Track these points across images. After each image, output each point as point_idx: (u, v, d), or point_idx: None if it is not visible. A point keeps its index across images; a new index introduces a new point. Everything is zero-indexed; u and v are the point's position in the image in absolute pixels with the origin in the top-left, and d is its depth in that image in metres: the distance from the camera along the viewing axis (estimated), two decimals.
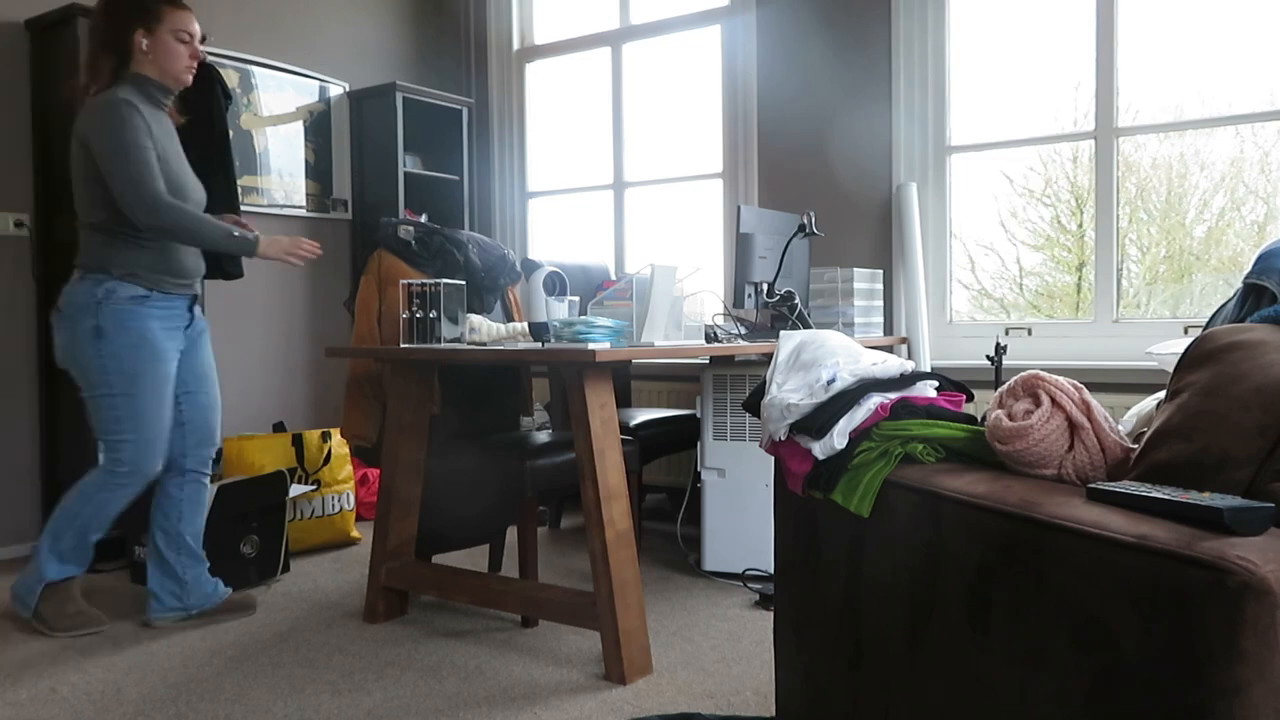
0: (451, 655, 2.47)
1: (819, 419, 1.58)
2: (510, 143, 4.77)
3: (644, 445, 3.29)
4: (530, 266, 2.96)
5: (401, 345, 2.59)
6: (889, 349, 3.55)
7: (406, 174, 4.39)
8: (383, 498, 2.75)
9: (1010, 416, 1.45)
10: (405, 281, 2.59)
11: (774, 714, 2.04)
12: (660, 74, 4.45)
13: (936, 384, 1.69)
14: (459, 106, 4.62)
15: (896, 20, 3.66)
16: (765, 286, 3.08)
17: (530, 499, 2.72)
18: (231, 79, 3.93)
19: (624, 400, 3.93)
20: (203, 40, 2.66)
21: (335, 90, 4.44)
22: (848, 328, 3.29)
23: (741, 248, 3.04)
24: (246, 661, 2.43)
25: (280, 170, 4.21)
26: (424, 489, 2.85)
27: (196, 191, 2.66)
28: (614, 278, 3.97)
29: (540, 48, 4.75)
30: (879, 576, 1.49)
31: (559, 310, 2.88)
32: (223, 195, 3.30)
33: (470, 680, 2.30)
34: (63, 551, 2.62)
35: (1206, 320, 1.89)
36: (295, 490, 3.36)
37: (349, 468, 3.67)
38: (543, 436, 2.88)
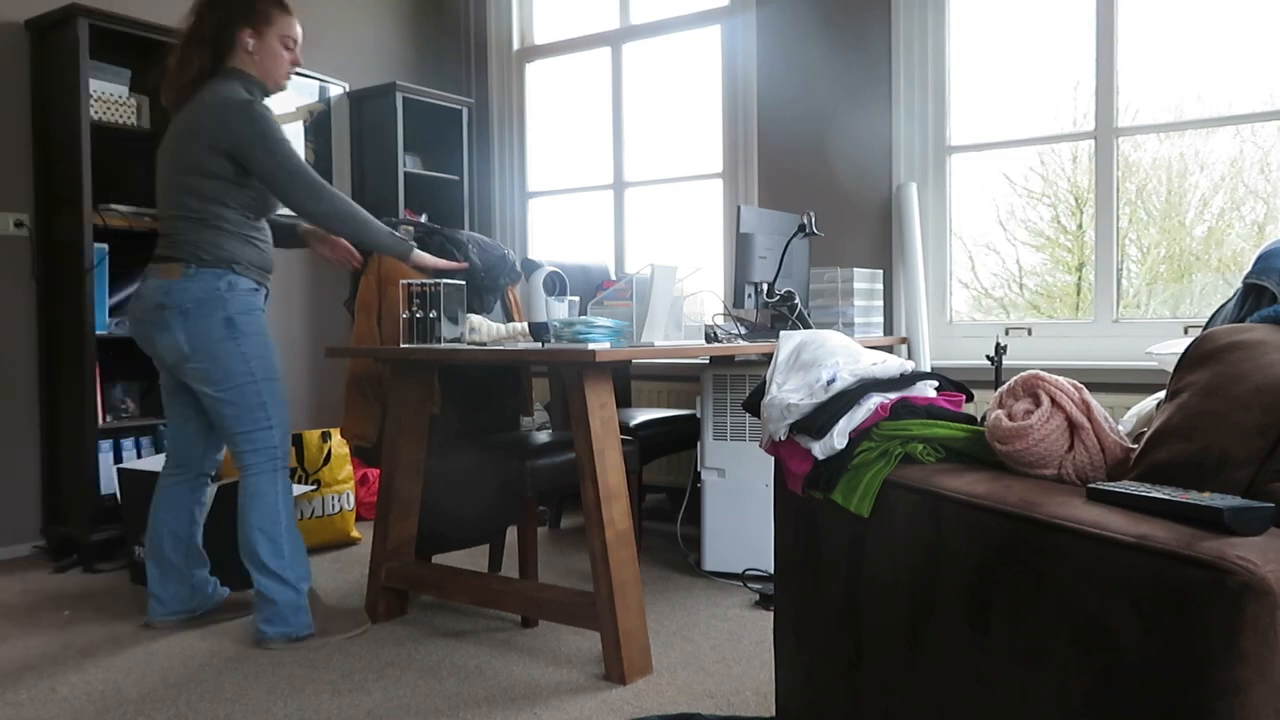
0: (451, 655, 2.47)
1: (819, 419, 1.58)
2: (510, 143, 4.77)
3: (644, 445, 3.28)
4: (530, 266, 2.96)
5: (401, 345, 2.59)
6: (889, 349, 3.55)
7: (406, 174, 4.39)
8: (383, 498, 2.75)
9: (1010, 416, 1.45)
10: (405, 281, 2.59)
11: (774, 714, 2.04)
12: (660, 74, 4.45)
13: (936, 384, 1.69)
14: (459, 106, 4.62)
15: (896, 20, 3.66)
16: (765, 286, 3.08)
17: (530, 499, 2.72)
18: None
19: (624, 400, 3.93)
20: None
21: (335, 90, 4.44)
22: (848, 328, 3.29)
23: (741, 248, 3.04)
24: (246, 661, 2.43)
25: None
26: (424, 489, 2.85)
27: None
28: (614, 278, 3.97)
29: (540, 48, 4.75)
30: (879, 576, 1.49)
31: (559, 310, 2.88)
32: None
33: (470, 680, 2.30)
34: (293, 563, 2.56)
35: (1206, 320, 1.89)
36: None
37: (349, 468, 3.67)
38: (543, 436, 2.88)
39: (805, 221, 3.09)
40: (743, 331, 2.99)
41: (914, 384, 1.65)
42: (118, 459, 3.51)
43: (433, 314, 2.59)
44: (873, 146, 3.75)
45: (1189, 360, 1.35)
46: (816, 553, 1.65)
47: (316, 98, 4.37)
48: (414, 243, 2.66)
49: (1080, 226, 3.63)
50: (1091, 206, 3.44)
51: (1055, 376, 1.45)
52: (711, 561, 3.16)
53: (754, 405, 1.76)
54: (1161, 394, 1.51)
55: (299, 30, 2.64)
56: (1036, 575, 1.19)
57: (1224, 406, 1.23)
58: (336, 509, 3.59)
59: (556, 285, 2.94)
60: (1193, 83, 3.29)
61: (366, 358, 2.83)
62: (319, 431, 3.63)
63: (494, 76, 4.78)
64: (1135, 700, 1.07)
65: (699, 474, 3.18)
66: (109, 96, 3.53)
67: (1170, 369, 1.41)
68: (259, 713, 2.12)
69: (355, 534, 3.69)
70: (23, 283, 3.52)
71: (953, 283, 3.72)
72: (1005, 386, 1.52)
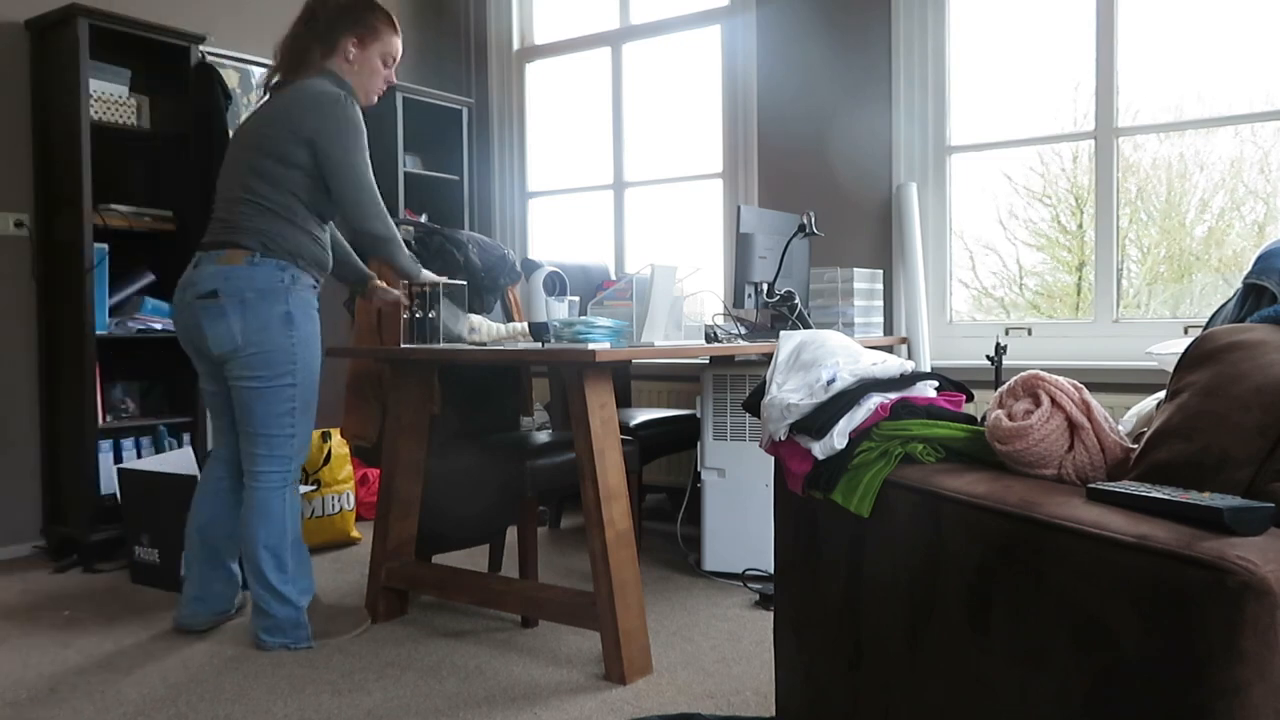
0: (451, 655, 2.47)
1: (819, 419, 1.58)
2: (510, 143, 4.77)
3: (644, 445, 3.28)
4: (530, 266, 2.96)
5: (401, 345, 2.59)
6: (889, 349, 3.55)
7: (406, 174, 4.39)
8: (383, 498, 2.75)
9: (1010, 416, 1.45)
10: (406, 281, 2.60)
11: (774, 714, 2.04)
12: (660, 74, 4.45)
13: (936, 384, 1.69)
14: (459, 106, 4.62)
15: (896, 20, 3.66)
16: (765, 286, 3.08)
17: (530, 499, 2.72)
18: (231, 79, 3.93)
19: (624, 400, 3.93)
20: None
21: None
22: (848, 328, 3.29)
23: (741, 248, 3.04)
24: (246, 661, 2.43)
25: None
26: (424, 489, 2.85)
27: None
28: (614, 278, 3.97)
29: (540, 48, 4.75)
30: (879, 576, 1.49)
31: (559, 310, 2.88)
32: None
33: (470, 680, 2.30)
34: (296, 578, 2.53)
35: (1206, 320, 1.89)
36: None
37: (349, 468, 3.67)
38: (543, 436, 2.88)
39: (805, 221, 3.09)
40: (743, 331, 2.99)
41: (914, 384, 1.65)
42: (118, 459, 3.51)
43: (432, 314, 2.59)
44: (873, 146, 3.75)
45: (1189, 360, 1.35)
46: (816, 553, 1.65)
47: None
48: (421, 269, 2.64)
49: (1080, 226, 3.63)
50: (1091, 206, 3.44)
51: (1055, 376, 1.45)
52: (711, 561, 3.16)
53: (754, 405, 1.75)
54: (1161, 394, 1.51)
55: (400, 49, 2.65)
56: (1036, 575, 1.19)
57: (1224, 406, 1.23)
58: (336, 509, 3.59)
59: (556, 285, 2.94)
60: (1193, 83, 3.29)
61: (366, 358, 2.83)
62: (319, 431, 3.63)
63: (494, 76, 4.78)
64: (1135, 700, 1.07)
65: (699, 474, 3.18)
66: (109, 96, 3.53)
67: (1170, 369, 1.41)
68: (259, 713, 2.12)
69: (355, 534, 3.69)
70: (23, 283, 3.52)
71: (953, 283, 3.72)
72: (1005, 386, 1.52)
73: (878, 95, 3.73)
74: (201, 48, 3.73)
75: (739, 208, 3.09)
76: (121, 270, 3.60)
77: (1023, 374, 1.50)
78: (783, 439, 1.65)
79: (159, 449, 3.53)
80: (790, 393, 1.65)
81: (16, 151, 3.51)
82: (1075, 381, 1.45)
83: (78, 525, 3.40)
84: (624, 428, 3.27)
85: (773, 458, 1.75)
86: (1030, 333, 3.51)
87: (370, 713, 2.12)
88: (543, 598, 2.45)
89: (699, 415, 3.18)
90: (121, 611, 2.85)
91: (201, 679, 2.32)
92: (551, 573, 3.25)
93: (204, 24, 3.90)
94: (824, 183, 3.86)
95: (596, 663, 2.40)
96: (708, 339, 2.79)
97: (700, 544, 3.19)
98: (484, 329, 2.71)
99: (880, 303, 3.52)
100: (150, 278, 3.69)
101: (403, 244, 2.56)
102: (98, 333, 3.38)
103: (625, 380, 3.97)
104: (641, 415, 3.52)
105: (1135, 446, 1.40)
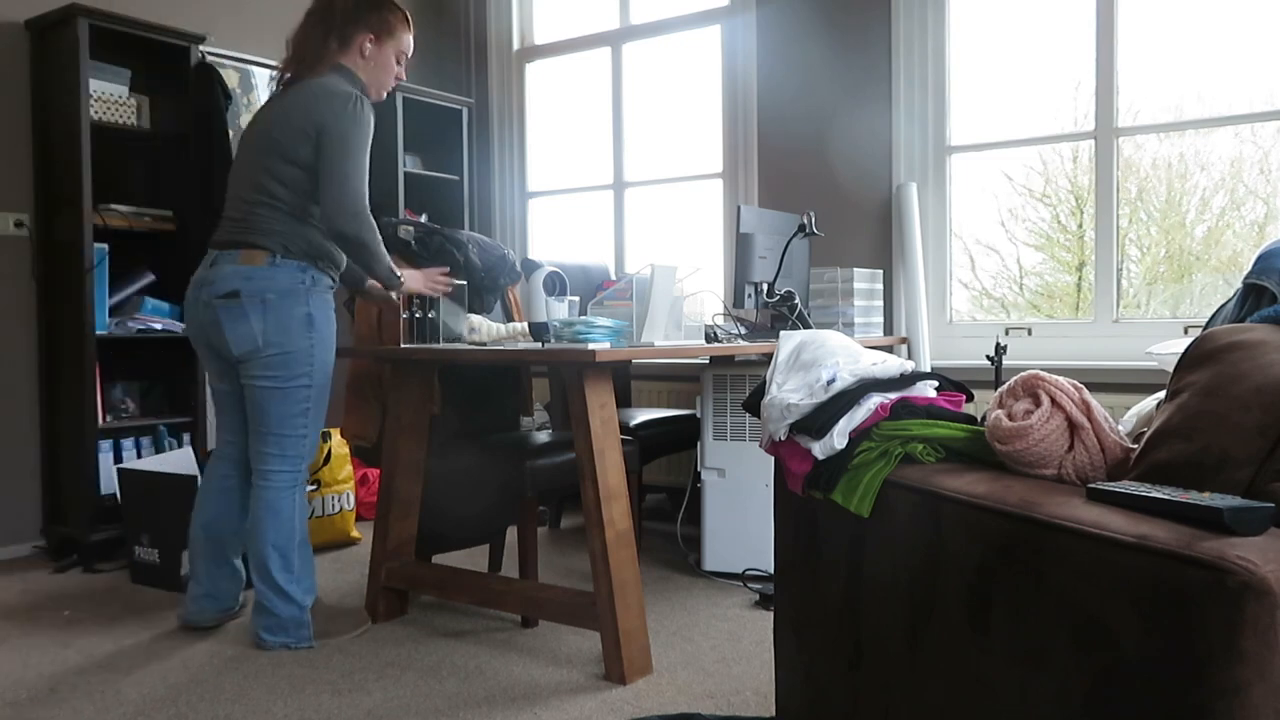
0: (451, 655, 2.47)
1: (819, 419, 1.58)
2: (510, 143, 4.77)
3: (644, 445, 3.28)
4: (530, 266, 2.96)
5: (401, 345, 2.58)
6: (889, 349, 3.55)
7: (406, 174, 4.39)
8: (383, 498, 2.75)
9: (1010, 416, 1.45)
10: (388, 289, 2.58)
11: (774, 714, 2.04)
12: (660, 74, 4.45)
13: (936, 384, 1.69)
14: (459, 106, 4.62)
15: (896, 20, 3.66)
16: (765, 286, 3.08)
17: (530, 499, 2.72)
18: (231, 79, 3.93)
19: (624, 400, 3.93)
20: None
21: None
22: (848, 328, 3.29)
23: (741, 248, 3.04)
24: (246, 661, 2.43)
25: None
26: (424, 489, 2.85)
27: None
28: (614, 278, 3.97)
29: (540, 48, 4.75)
30: (879, 576, 1.49)
31: (559, 310, 2.88)
32: (222, 195, 3.30)
33: (470, 680, 2.30)
34: (301, 578, 2.53)
35: (1206, 320, 1.89)
36: None
37: (349, 468, 3.67)
38: (543, 436, 2.88)
39: (805, 221, 3.09)
40: (743, 331, 2.99)
41: (914, 384, 1.65)
42: (118, 459, 3.51)
43: (432, 314, 2.59)
44: (873, 146, 3.75)
45: (1189, 360, 1.35)
46: (816, 553, 1.65)
47: None
48: (400, 280, 2.55)
49: (1080, 226, 3.63)
50: (1091, 206, 3.44)
51: (1055, 376, 1.45)
52: (711, 561, 3.16)
53: (754, 405, 1.75)
54: (1161, 394, 1.51)
55: (412, 46, 2.66)
56: (1036, 575, 1.19)
57: (1224, 406, 1.23)
58: (336, 509, 3.59)
59: (556, 285, 2.94)
60: (1193, 83, 3.29)
61: (366, 358, 2.83)
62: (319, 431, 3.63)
63: (494, 76, 4.78)
64: (1135, 700, 1.07)
65: (699, 474, 3.18)
66: (109, 96, 3.53)
67: (1170, 369, 1.41)
68: (259, 713, 2.12)
69: (355, 534, 3.69)
70: (23, 283, 3.52)
71: (953, 283, 3.72)
72: (1005, 386, 1.52)
73: (878, 95, 3.73)
74: (201, 48, 3.73)
75: (739, 208, 3.09)
76: (121, 270, 3.60)
77: (1023, 374, 1.50)
78: (783, 439, 1.65)
79: (159, 449, 3.53)
80: (790, 393, 1.65)
81: (16, 151, 3.51)
82: (1075, 381, 1.45)
83: (78, 525, 3.40)
84: (624, 428, 3.27)
85: (773, 458, 1.75)
86: (1030, 333, 3.51)
87: (370, 713, 2.12)
88: (543, 598, 2.45)
89: (699, 415, 3.18)
90: (121, 611, 2.85)
91: (201, 679, 2.32)
92: (551, 573, 3.25)
93: (204, 24, 3.90)
94: (824, 183, 3.86)
95: (596, 663, 2.40)
96: (708, 339, 2.79)
97: (700, 544, 3.19)
98: (484, 329, 2.71)
99: (880, 303, 3.52)
100: (150, 278, 3.69)
101: (382, 253, 2.47)
102: (98, 333, 3.38)
103: (625, 380, 3.97)
104: (641, 415, 3.52)
105: (1135, 446, 1.40)
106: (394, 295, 2.65)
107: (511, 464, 2.67)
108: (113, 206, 3.52)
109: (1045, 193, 3.69)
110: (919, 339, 3.57)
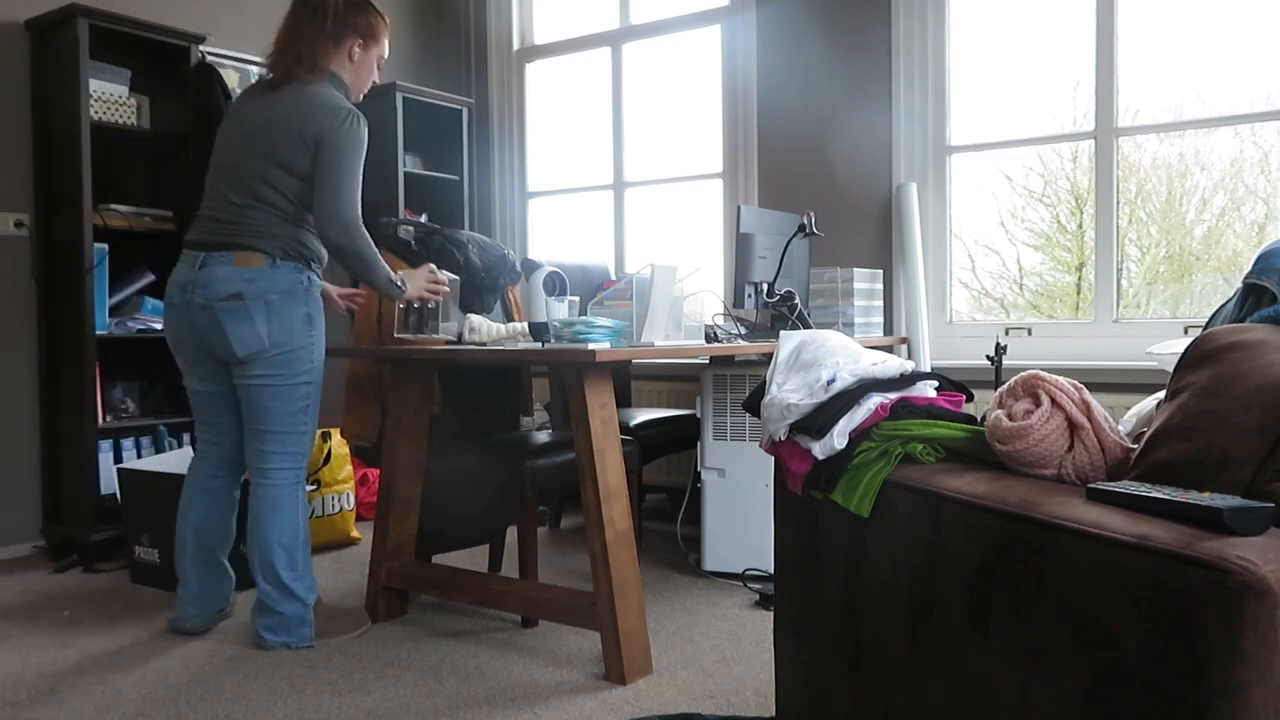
0: (451, 655, 2.47)
1: (819, 419, 1.58)
2: (510, 143, 4.77)
3: (644, 445, 3.28)
4: (530, 266, 2.96)
5: (395, 335, 2.60)
6: (889, 349, 3.55)
7: (406, 174, 4.39)
8: (383, 498, 2.75)
9: (1010, 416, 1.45)
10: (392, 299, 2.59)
11: (774, 714, 2.04)
12: (660, 74, 4.45)
13: (936, 384, 1.69)
14: (459, 106, 4.62)
15: (896, 20, 3.66)
16: (765, 286, 3.08)
17: (530, 499, 2.72)
18: (231, 79, 3.93)
19: (624, 400, 3.93)
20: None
21: None
22: (848, 328, 3.29)
23: (741, 248, 3.04)
24: (246, 661, 2.43)
25: None
26: (424, 489, 2.85)
27: None
28: (614, 278, 3.97)
29: (540, 48, 4.75)
30: (879, 576, 1.49)
31: (559, 310, 2.88)
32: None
33: (470, 680, 2.30)
34: (304, 575, 2.55)
35: (1206, 320, 1.89)
36: None
37: (349, 468, 3.67)
38: (543, 436, 2.88)
39: (805, 221, 3.09)
40: (743, 331, 2.99)
41: (914, 384, 1.65)
42: (118, 459, 3.51)
43: (431, 305, 2.60)
44: (873, 146, 3.75)
45: (1189, 360, 1.35)
46: (816, 553, 1.65)
47: None
48: (401, 288, 2.56)
49: (1080, 226, 3.63)
50: (1091, 206, 3.44)
51: (1055, 376, 1.45)
52: (711, 561, 3.16)
53: (754, 405, 1.76)
54: (1161, 394, 1.51)
55: (389, 49, 2.70)
56: (1036, 575, 1.19)
57: (1224, 406, 1.23)
58: (336, 509, 3.59)
59: (556, 285, 2.94)
60: (1193, 83, 3.29)
61: (366, 358, 2.83)
62: (319, 431, 3.63)
63: (494, 76, 4.78)
64: (1135, 700, 1.07)
65: (699, 474, 3.18)
66: (109, 96, 3.53)
67: (1170, 369, 1.41)
68: (259, 713, 2.12)
69: (355, 534, 3.69)
70: (23, 283, 3.52)
71: (953, 283, 3.72)
72: (1005, 386, 1.52)
73: (878, 95, 3.73)
74: (201, 48, 3.74)
75: (739, 208, 3.09)
76: (121, 270, 3.60)
77: (1023, 374, 1.50)
78: (783, 439, 1.65)
79: (159, 449, 3.53)
80: (790, 393, 1.65)
81: (16, 151, 3.51)
82: (1075, 381, 1.45)
83: (78, 525, 3.40)
84: (624, 428, 3.27)
85: (773, 458, 1.75)
86: (1030, 333, 3.51)
87: (370, 713, 2.12)
88: (543, 598, 2.45)
89: (699, 415, 3.18)
90: (121, 611, 2.85)
91: (201, 679, 2.32)
92: (551, 573, 3.25)
93: (204, 24, 3.90)
94: (824, 183, 3.86)
95: (596, 663, 2.40)
96: (708, 339, 2.79)
97: (700, 544, 3.19)
98: (484, 329, 2.71)
99: (880, 303, 3.52)
100: (150, 278, 3.70)
101: (379, 263, 2.49)
102: (98, 333, 3.38)
103: (625, 380, 3.97)
104: (641, 415, 3.52)
105: (1135, 446, 1.40)
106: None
107: (511, 464, 2.67)
108: (113, 206, 3.52)
109: (1045, 193, 3.69)
110: (919, 339, 3.57)
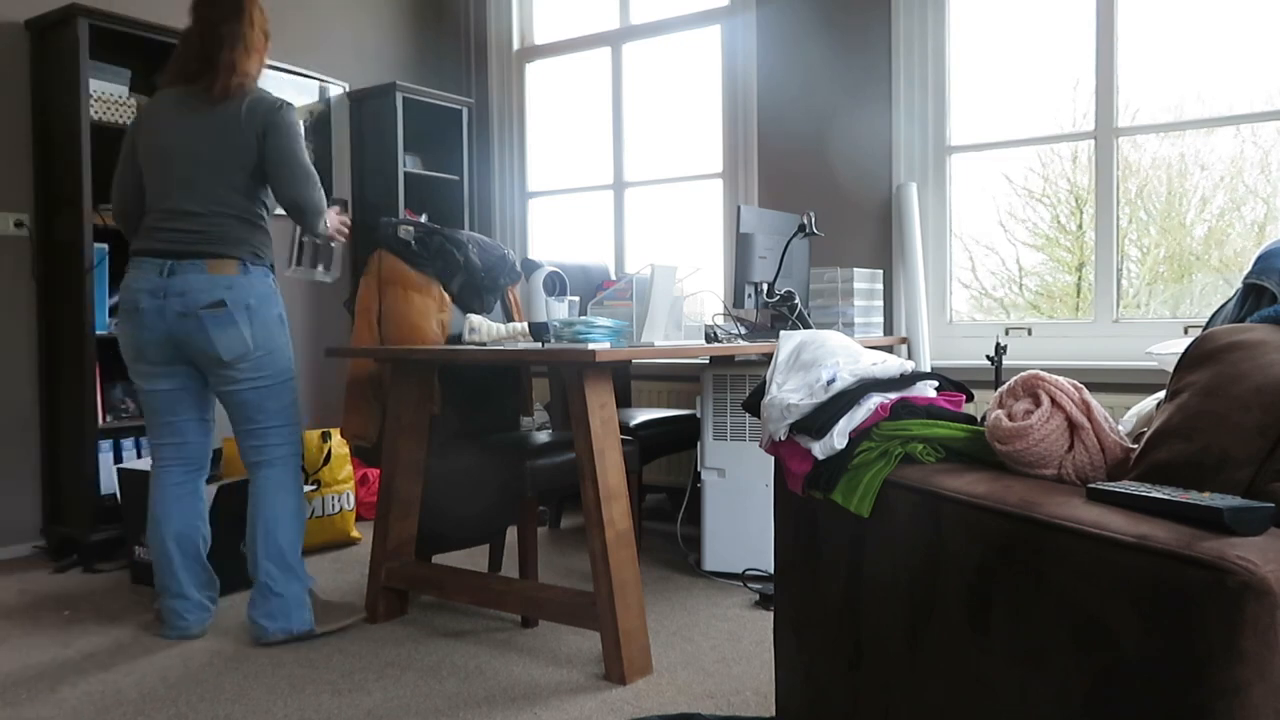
0: (451, 655, 2.47)
1: (819, 419, 1.58)
2: (510, 143, 4.77)
3: (644, 445, 3.29)
4: (530, 266, 2.96)
5: (285, 273, 2.80)
6: (889, 349, 3.55)
7: (406, 174, 4.39)
8: (383, 498, 2.75)
9: (1010, 416, 1.45)
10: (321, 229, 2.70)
11: (774, 714, 2.04)
12: (660, 74, 4.45)
13: (936, 384, 1.69)
14: (459, 106, 4.62)
15: (896, 20, 3.66)
16: (765, 286, 3.08)
17: (530, 499, 2.72)
18: None
19: (624, 400, 3.93)
20: None
21: (335, 90, 4.44)
22: (848, 328, 3.29)
23: (741, 248, 3.04)
24: (246, 661, 2.43)
25: None
26: (424, 489, 2.85)
27: None
28: (614, 278, 3.97)
29: (540, 48, 4.75)
30: (879, 576, 1.49)
31: (559, 310, 2.88)
32: None
33: (470, 680, 2.30)
34: (298, 561, 2.62)
35: (1206, 320, 1.89)
36: None
37: (349, 468, 3.67)
38: (543, 436, 2.88)
39: (805, 221, 3.09)
40: (743, 331, 2.99)
41: (914, 384, 1.65)
42: (118, 459, 3.51)
43: (334, 245, 2.86)
44: (873, 146, 3.75)
45: (1189, 360, 1.35)
46: (816, 553, 1.65)
47: (316, 98, 4.37)
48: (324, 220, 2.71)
49: (1080, 226, 3.63)
50: (1091, 206, 3.44)
51: (1055, 376, 1.45)
52: (711, 561, 3.16)
53: (754, 405, 1.76)
54: (1161, 394, 1.51)
55: None
56: (1036, 575, 1.19)
57: (1224, 406, 1.23)
58: (336, 509, 3.59)
59: (556, 285, 2.94)
60: (1193, 83, 3.30)
61: (366, 358, 2.83)
62: (319, 431, 3.63)
63: (494, 76, 4.78)
64: (1135, 700, 1.07)
65: (699, 474, 3.18)
66: (109, 96, 3.53)
67: (1170, 369, 1.41)
68: (259, 713, 2.12)
69: (355, 534, 3.69)
70: (23, 283, 3.52)
71: (953, 283, 3.72)
72: (1005, 386, 1.52)
73: (878, 95, 3.73)
74: None
75: (739, 208, 3.09)
76: (121, 270, 3.59)
77: (1023, 374, 1.50)
78: (783, 439, 1.65)
79: None
80: (790, 393, 1.65)
81: (16, 151, 3.51)
82: (1075, 381, 1.45)
83: (78, 525, 3.40)
84: (624, 428, 3.27)
85: (773, 458, 1.75)
86: (1030, 333, 3.51)
87: (370, 713, 2.12)
88: (543, 598, 2.45)
89: (699, 415, 3.18)
90: (121, 611, 2.85)
91: (201, 679, 2.32)
92: (551, 573, 3.25)
93: None
94: (824, 183, 3.86)
95: (596, 663, 2.40)
96: (708, 339, 2.79)
97: (700, 544, 3.19)
98: (484, 329, 2.71)
99: (880, 303, 3.52)
100: None
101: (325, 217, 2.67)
102: (98, 333, 3.38)
103: (625, 380, 3.97)
104: (641, 415, 3.52)
105: (1135, 446, 1.40)
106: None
107: (511, 464, 2.67)
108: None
109: (1045, 193, 3.69)
110: (919, 339, 3.57)
